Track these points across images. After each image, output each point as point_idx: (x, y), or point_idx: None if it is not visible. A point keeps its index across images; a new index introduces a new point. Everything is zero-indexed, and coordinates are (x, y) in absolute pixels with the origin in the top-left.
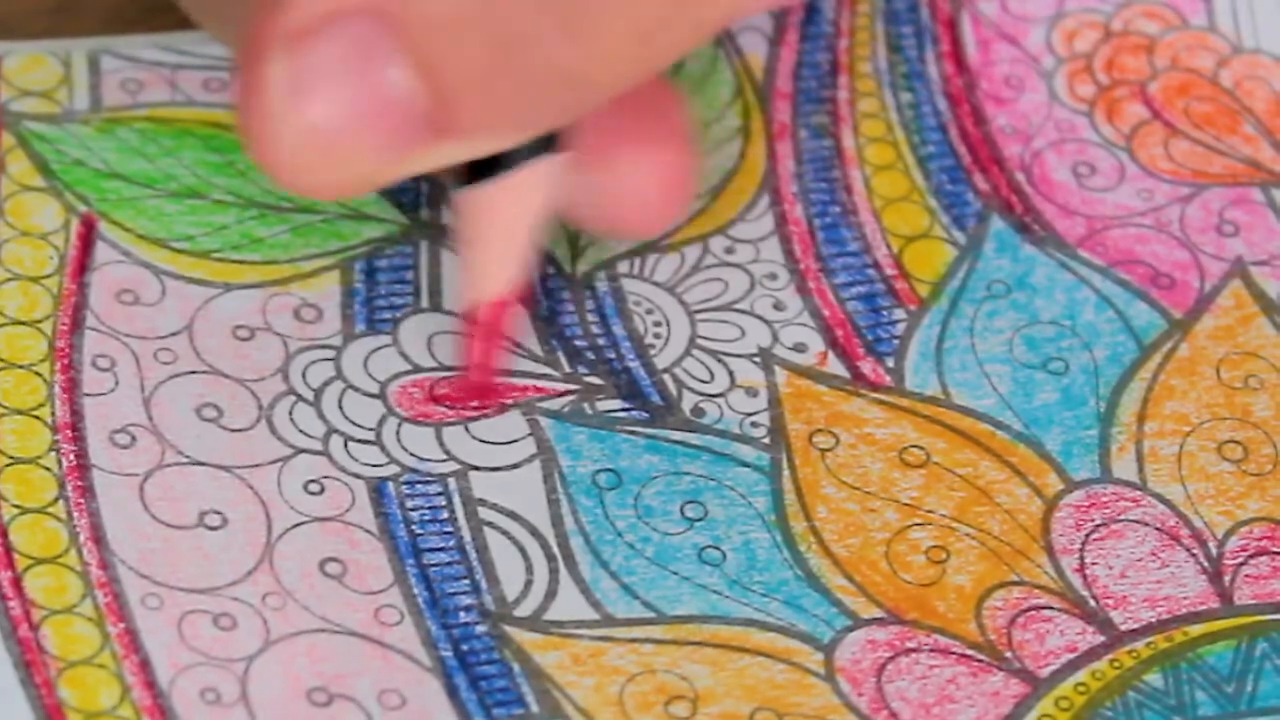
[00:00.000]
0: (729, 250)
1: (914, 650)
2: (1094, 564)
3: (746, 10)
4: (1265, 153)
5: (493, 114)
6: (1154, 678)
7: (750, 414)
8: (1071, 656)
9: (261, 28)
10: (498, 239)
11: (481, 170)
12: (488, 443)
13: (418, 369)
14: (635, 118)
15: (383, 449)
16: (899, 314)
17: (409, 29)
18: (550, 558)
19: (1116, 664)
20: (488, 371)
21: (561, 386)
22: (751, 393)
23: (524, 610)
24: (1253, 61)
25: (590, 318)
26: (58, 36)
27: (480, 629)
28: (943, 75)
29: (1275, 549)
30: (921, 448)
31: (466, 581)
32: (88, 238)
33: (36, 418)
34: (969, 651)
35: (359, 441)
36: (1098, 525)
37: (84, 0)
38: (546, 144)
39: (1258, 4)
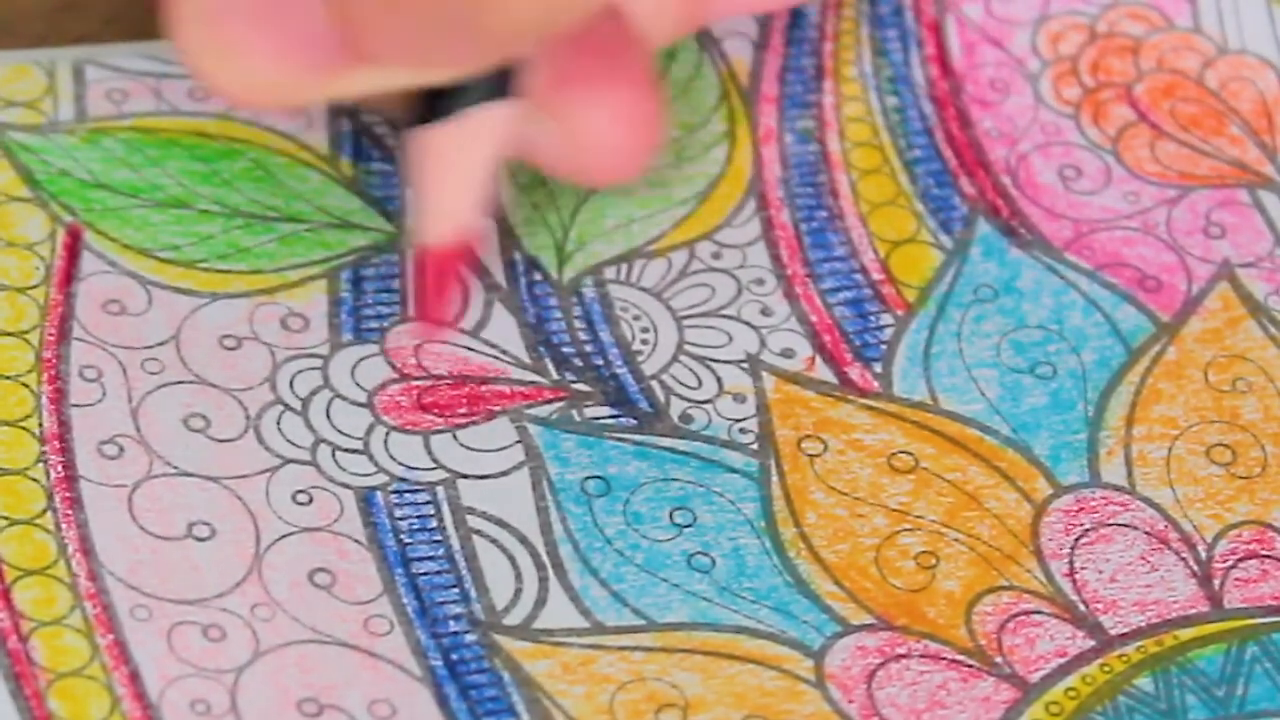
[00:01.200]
0: (716, 256)
1: (904, 656)
2: (1083, 568)
3: (717, 6)
4: (1251, 154)
5: (399, 47)
6: (1144, 682)
7: (738, 420)
8: (1062, 661)
9: None
10: (449, 181)
11: (435, 111)
12: (476, 450)
13: (406, 377)
14: (595, 60)
15: (371, 458)
16: (886, 319)
17: None
18: (539, 566)
19: (1107, 668)
20: (439, 313)
21: (549, 393)
22: (739, 399)
23: (513, 619)
24: (1238, 62)
25: (578, 324)
26: (58, 36)
27: (470, 638)
28: (928, 79)
29: (1265, 552)
30: (910, 453)
31: (456, 590)
32: (74, 248)
33: (24, 429)
34: (959, 657)
35: (347, 451)
36: (1087, 529)
37: (84, 0)
38: (500, 88)
39: (1243, 4)
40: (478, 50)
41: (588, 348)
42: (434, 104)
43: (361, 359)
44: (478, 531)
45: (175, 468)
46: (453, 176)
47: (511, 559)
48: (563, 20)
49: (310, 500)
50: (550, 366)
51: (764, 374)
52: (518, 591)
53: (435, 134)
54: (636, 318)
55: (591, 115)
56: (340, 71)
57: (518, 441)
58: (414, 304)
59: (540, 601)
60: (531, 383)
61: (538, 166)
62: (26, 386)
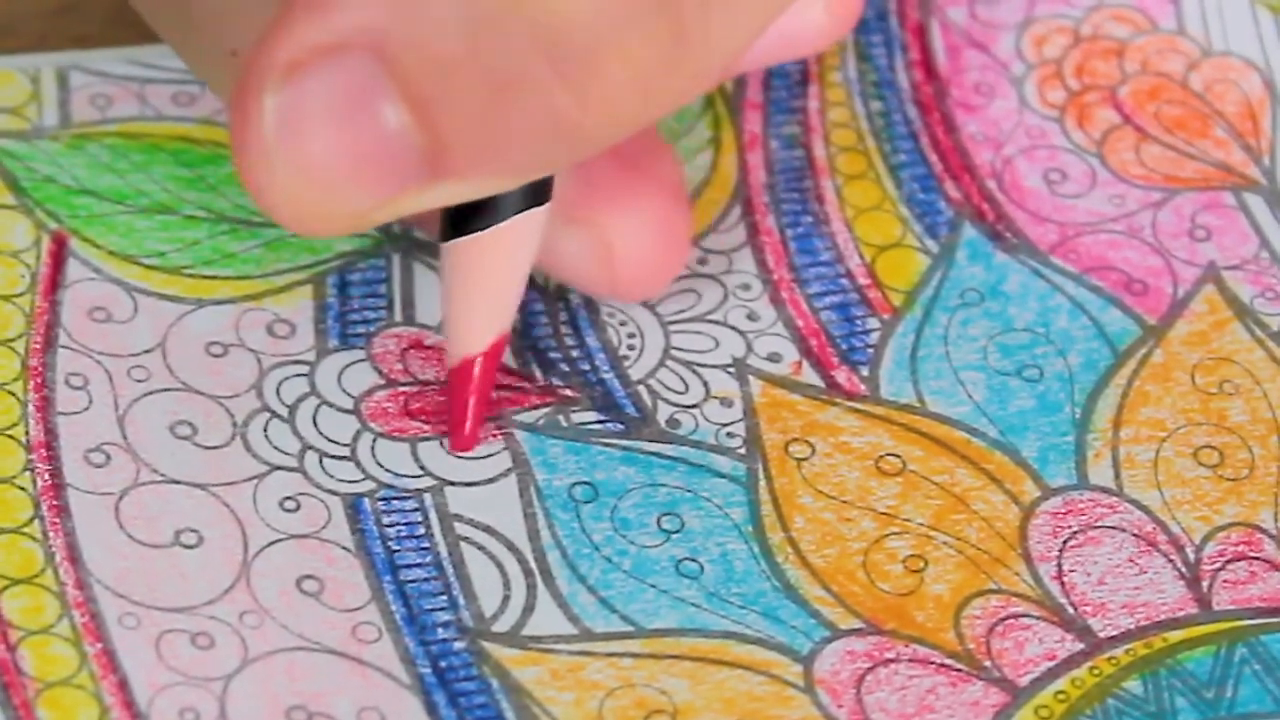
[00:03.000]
0: (702, 261)
1: (893, 661)
2: (1072, 571)
3: (744, 46)
4: (1236, 156)
5: (487, 157)
6: (1134, 684)
7: (725, 424)
8: (1051, 664)
9: (255, 59)
10: (485, 291)
11: (468, 222)
12: (463, 457)
13: (392, 383)
14: (627, 171)
15: (358, 465)
16: (873, 323)
17: (403, 67)
18: (527, 572)
19: (1096, 671)
20: (474, 426)
21: (536, 399)
22: (726, 403)
23: (502, 626)
24: (1223, 64)
25: (564, 329)
26: (58, 37)
27: (458, 645)
28: (912, 83)
29: (1253, 554)
30: (897, 456)
31: (444, 597)
32: (59, 255)
33: (10, 437)
34: (948, 661)
35: (334, 458)
36: (1075, 532)
37: (85, 1)
38: (535, 194)
39: (1226, 6)
40: (571, 150)
41: (574, 353)
42: (467, 214)
43: (348, 365)
44: (465, 538)
45: (162, 475)
46: (486, 288)
47: (499, 566)
48: (660, 111)
49: (298, 507)
50: (537, 371)
51: (751, 378)
52: (506, 598)
53: (469, 246)
54: (623, 323)
55: (622, 227)
56: (419, 188)
57: (505, 448)
58: (450, 419)
59: (528, 608)
60: (518, 388)
61: (559, 276)
62: (13, 395)
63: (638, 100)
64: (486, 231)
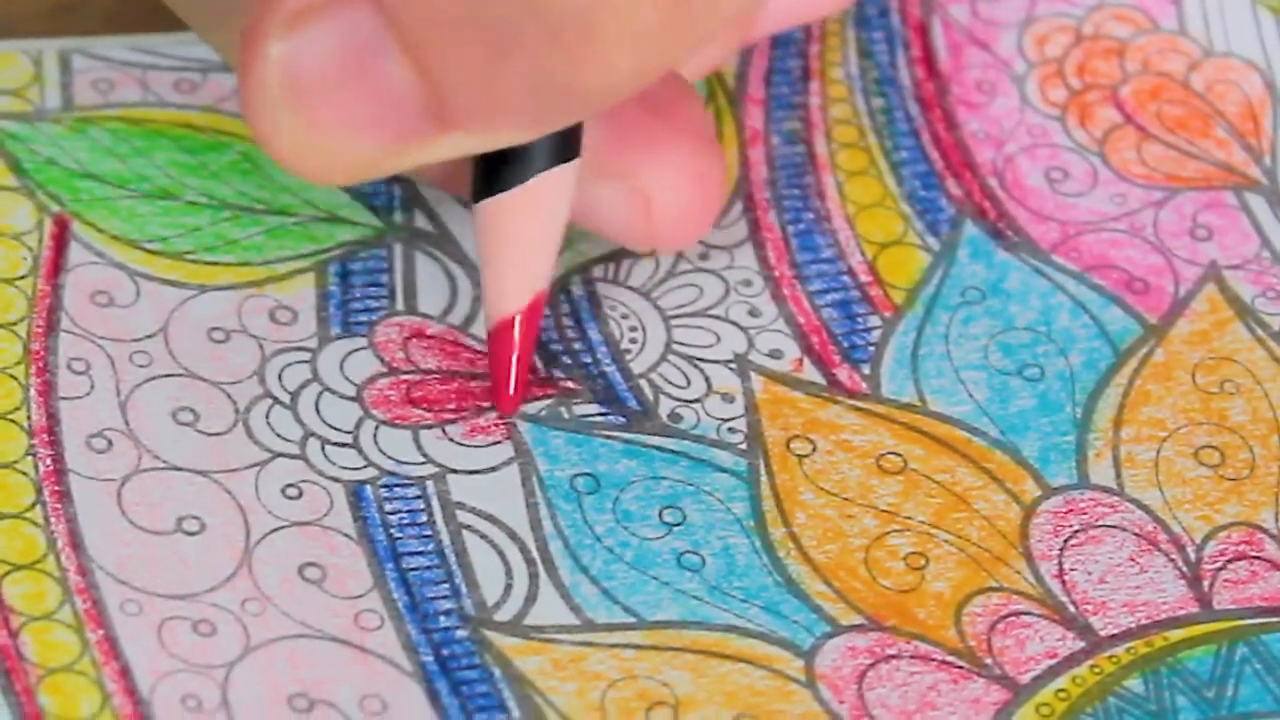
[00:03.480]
0: (703, 256)
1: (894, 657)
2: (1073, 569)
3: (760, 24)
4: (1237, 156)
5: (488, 111)
6: (1134, 683)
7: (727, 420)
8: (1052, 662)
9: (262, 10)
10: (517, 252)
11: (497, 180)
12: (465, 446)
13: (394, 371)
14: (658, 120)
15: (360, 452)
16: (874, 321)
17: (403, 21)
18: (529, 562)
19: (1097, 669)
20: (519, 387)
21: (538, 390)
22: (728, 398)
23: (504, 615)
24: (1224, 64)
25: (566, 322)
26: (58, 37)
27: (461, 634)
28: (914, 80)
29: (1254, 553)
30: (899, 454)
31: (446, 586)
32: (61, 238)
33: (13, 422)
34: (949, 658)
35: (336, 445)
36: (1076, 531)
37: (85, 1)
38: (562, 151)
39: (1228, 7)
40: (571, 108)
41: (576, 345)
42: (496, 173)
43: (350, 352)
44: (468, 526)
45: (164, 461)
46: (520, 246)
47: (501, 554)
48: (658, 71)
49: (300, 494)
50: (539, 363)
51: (752, 374)
52: (508, 587)
53: (499, 204)
54: (625, 316)
55: (657, 176)
56: (425, 140)
57: (507, 438)
58: (493, 381)
59: (530, 598)
60: None
61: (596, 230)
62: (15, 379)
63: (636, 61)
64: (515, 189)
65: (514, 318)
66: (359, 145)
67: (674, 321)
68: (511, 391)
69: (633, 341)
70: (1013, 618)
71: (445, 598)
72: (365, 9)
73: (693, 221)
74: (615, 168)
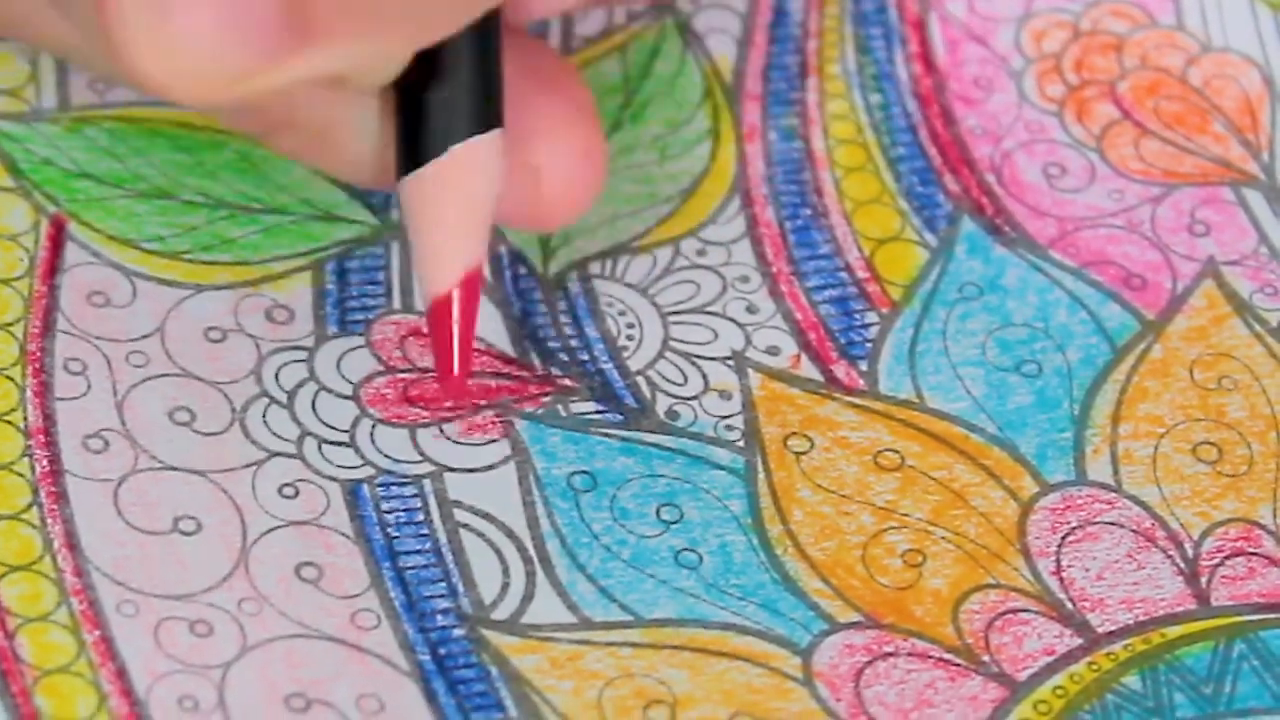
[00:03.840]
0: (700, 253)
1: (892, 655)
2: (1070, 566)
3: None
4: (1235, 151)
5: (344, 22)
6: (1132, 680)
7: (724, 417)
8: (1049, 659)
9: None
10: (445, 224)
11: (418, 153)
12: (462, 444)
13: (391, 370)
14: (543, 94)
15: (357, 451)
16: (871, 317)
17: None
18: (526, 560)
19: (1095, 666)
20: (461, 368)
21: (535, 388)
22: (725, 395)
23: (501, 613)
24: (1221, 60)
25: (563, 319)
26: None
27: (458, 632)
28: (912, 76)
29: (1251, 549)
30: (896, 451)
31: (443, 584)
32: (58, 239)
33: (9, 422)
34: (947, 655)
35: (333, 444)
36: (1074, 527)
37: None
38: (481, 120)
39: (1226, 2)
40: (428, 19)
41: (573, 343)
42: (414, 147)
43: (347, 351)
44: (465, 525)
45: (161, 462)
46: (448, 219)
47: (498, 553)
48: None
49: (296, 494)
50: (536, 361)
51: (749, 371)
52: (505, 586)
53: (420, 179)
54: (622, 313)
55: (547, 151)
56: (289, 54)
57: (504, 436)
58: (436, 363)
59: (528, 596)
60: (517, 377)
61: None
62: (11, 380)
63: None
64: (435, 162)
65: (449, 295)
66: (220, 56)
67: (671, 318)
68: (456, 371)
69: (630, 339)
70: (1010, 615)
71: (442, 596)
72: None
73: (580, 196)
74: (506, 142)
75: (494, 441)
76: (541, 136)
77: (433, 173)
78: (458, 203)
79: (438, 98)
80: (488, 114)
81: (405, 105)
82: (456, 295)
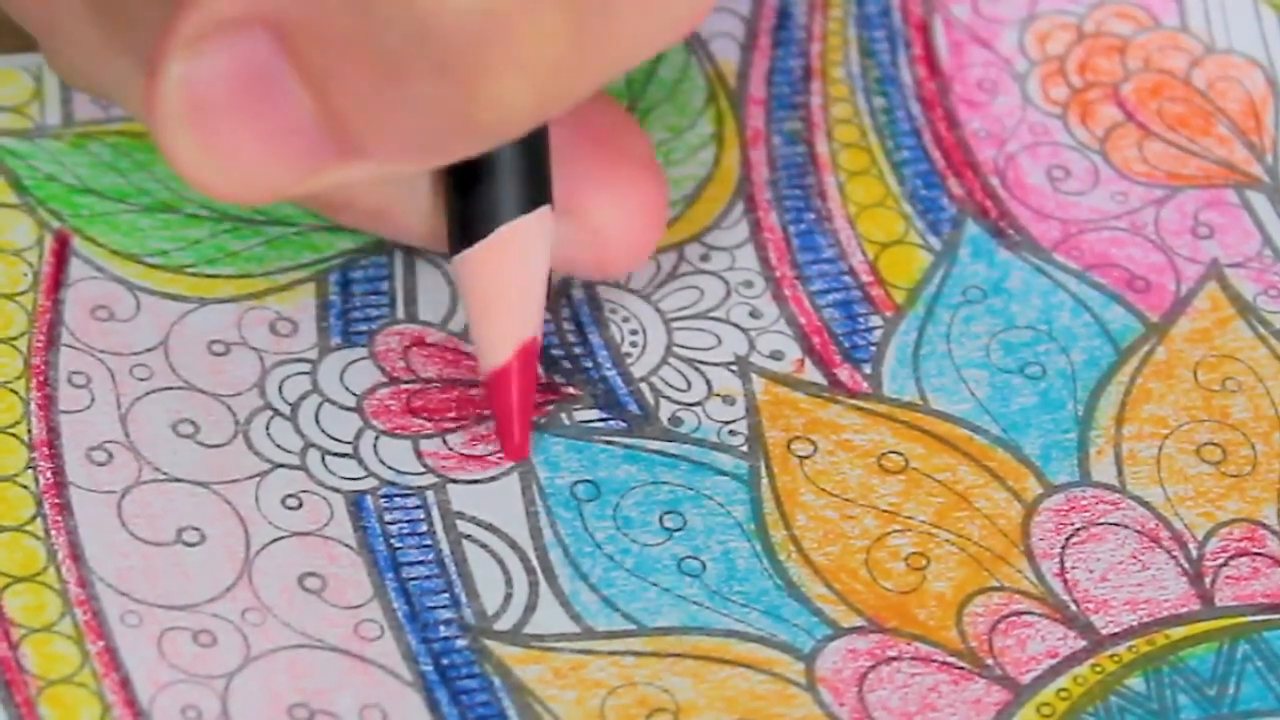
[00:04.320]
0: (704, 258)
1: (895, 659)
2: (1074, 568)
3: (650, 52)
4: (1239, 154)
5: (387, 139)
6: (1136, 682)
7: (728, 422)
8: (1053, 662)
9: (163, 35)
10: (498, 302)
11: (469, 233)
12: (465, 454)
13: (395, 381)
14: (602, 151)
15: (360, 462)
16: (875, 320)
17: (301, 46)
18: (529, 570)
19: (1098, 668)
20: (521, 436)
21: (538, 397)
22: (729, 401)
23: (504, 624)
24: (1225, 62)
25: (566, 326)
26: None
27: (460, 643)
28: (915, 80)
29: (1255, 550)
30: (900, 453)
31: (446, 595)
32: (62, 254)
33: (13, 435)
34: (950, 659)
35: (336, 455)
36: (1077, 529)
37: None
38: (530, 198)
39: (1229, 4)
40: (467, 140)
41: (577, 350)
42: (465, 226)
43: (350, 363)
44: (468, 536)
45: (164, 473)
46: (499, 295)
47: (501, 563)
48: (559, 107)
49: (300, 505)
50: (539, 369)
51: (753, 376)
52: (508, 596)
53: (472, 258)
54: (625, 320)
55: (609, 211)
56: (330, 165)
57: None
58: (498, 430)
59: (530, 606)
60: None
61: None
62: (15, 393)
63: (531, 95)
64: (485, 241)
65: (508, 368)
66: (262, 168)
67: (675, 324)
68: (517, 440)
69: (633, 345)
70: (1014, 617)
71: (445, 607)
72: (262, 33)
73: (643, 250)
74: (566, 204)
75: (497, 451)
76: (600, 200)
77: (481, 254)
78: (507, 280)
79: (484, 181)
80: (534, 192)
81: (454, 186)
82: (514, 368)
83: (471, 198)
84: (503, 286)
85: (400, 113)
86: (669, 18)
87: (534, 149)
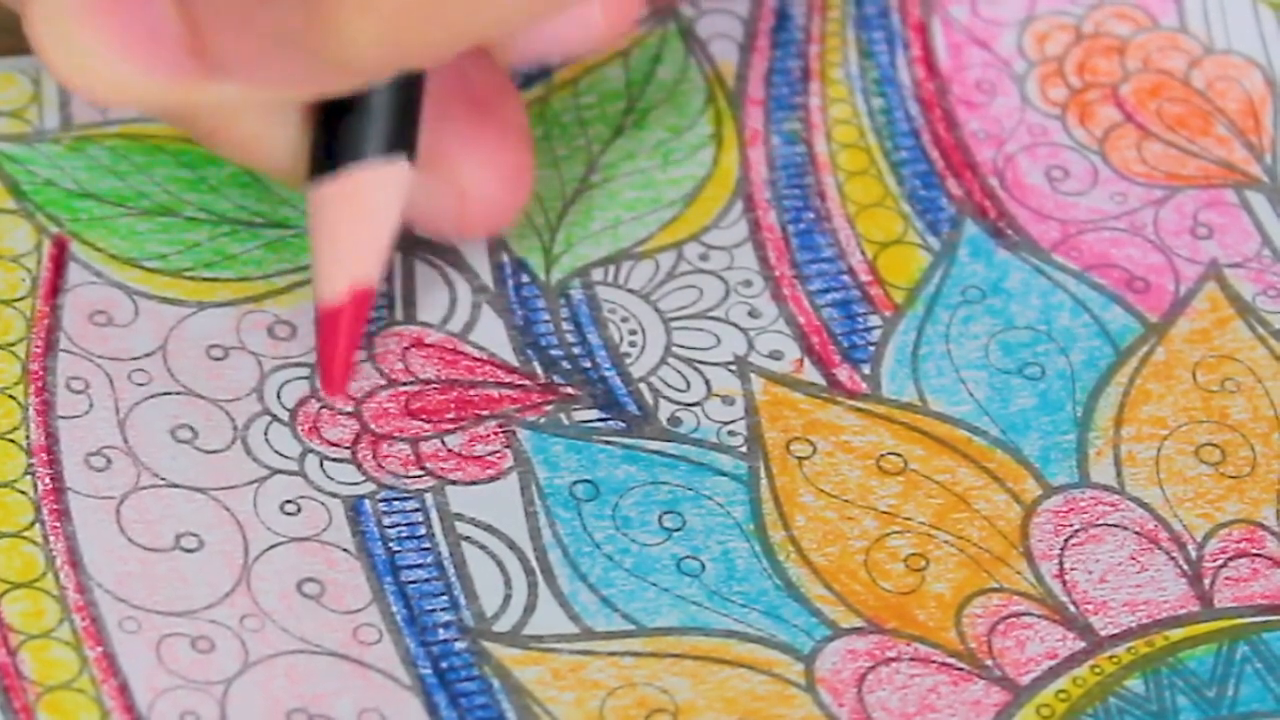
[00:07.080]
0: (703, 257)
1: (894, 660)
2: (1073, 569)
3: (509, 25)
4: (1238, 154)
5: (245, 61)
6: (1135, 683)
7: (727, 423)
8: (1052, 663)
9: None
10: (338, 239)
11: (321, 164)
12: (464, 455)
13: (393, 383)
14: (478, 114)
15: (358, 467)
16: (874, 320)
17: None
18: (529, 571)
19: (1097, 670)
20: (340, 371)
21: (537, 396)
22: (728, 401)
23: (503, 625)
24: (1224, 62)
25: (565, 326)
26: None
27: (459, 645)
28: (914, 80)
29: (1255, 551)
30: (899, 455)
31: (445, 598)
32: (60, 259)
33: (11, 441)
34: (949, 660)
35: (334, 460)
36: (1077, 530)
37: None
38: (392, 145)
39: (1229, 4)
40: (320, 76)
41: (576, 350)
42: (324, 157)
43: None
44: (466, 538)
45: (163, 479)
46: (342, 234)
47: (500, 565)
48: (409, 57)
49: (298, 510)
50: (538, 369)
51: (752, 376)
52: (507, 598)
53: (326, 190)
54: (624, 320)
55: (475, 172)
56: (192, 80)
57: (506, 446)
58: (319, 363)
59: (529, 608)
60: (520, 386)
61: (409, 223)
62: (13, 399)
63: (376, 38)
64: (341, 176)
65: (341, 308)
66: (129, 70)
67: (674, 324)
68: (337, 380)
69: (632, 345)
70: (1013, 619)
71: (444, 610)
72: None
73: (505, 213)
74: (433, 160)
75: (496, 452)
76: (467, 160)
77: (332, 189)
78: (353, 220)
79: (348, 118)
80: (396, 140)
81: (319, 121)
82: (345, 312)
83: (333, 131)
84: (350, 225)
85: (256, 35)
86: None
87: (404, 99)
